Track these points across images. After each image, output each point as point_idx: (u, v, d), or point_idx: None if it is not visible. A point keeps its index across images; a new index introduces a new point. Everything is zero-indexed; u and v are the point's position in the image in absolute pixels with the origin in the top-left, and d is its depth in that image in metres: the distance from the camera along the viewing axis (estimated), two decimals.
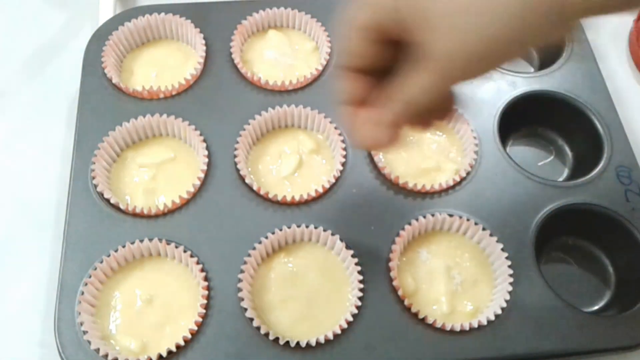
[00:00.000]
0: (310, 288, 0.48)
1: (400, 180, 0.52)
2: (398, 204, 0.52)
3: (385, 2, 0.30)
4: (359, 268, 0.48)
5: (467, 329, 0.46)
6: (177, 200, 0.50)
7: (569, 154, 0.59)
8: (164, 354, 0.44)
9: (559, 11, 0.28)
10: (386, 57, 0.32)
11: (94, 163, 0.51)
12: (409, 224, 0.50)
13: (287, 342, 0.45)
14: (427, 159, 0.55)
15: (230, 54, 0.59)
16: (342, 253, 0.49)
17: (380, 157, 0.54)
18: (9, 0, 0.68)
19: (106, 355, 0.43)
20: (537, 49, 0.65)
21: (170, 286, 0.48)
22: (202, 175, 0.52)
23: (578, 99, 0.58)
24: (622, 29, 0.68)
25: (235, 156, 0.53)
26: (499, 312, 0.46)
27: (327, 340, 0.45)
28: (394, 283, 0.47)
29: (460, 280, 0.49)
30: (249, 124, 0.54)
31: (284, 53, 0.60)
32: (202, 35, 0.59)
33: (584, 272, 0.52)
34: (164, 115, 0.54)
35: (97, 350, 0.44)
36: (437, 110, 0.34)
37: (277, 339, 0.45)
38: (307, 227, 0.49)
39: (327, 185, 0.52)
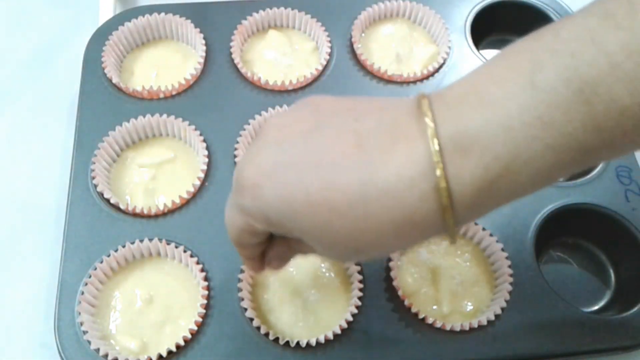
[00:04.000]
0: (310, 288, 0.48)
1: None
2: None
3: (257, 214, 0.33)
4: (359, 268, 0.48)
5: (467, 329, 0.45)
6: (177, 200, 0.50)
7: None
8: (164, 354, 0.44)
9: (433, 231, 0.32)
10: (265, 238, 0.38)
11: (94, 163, 0.51)
12: None
13: (287, 342, 0.45)
14: None
15: (230, 54, 0.59)
16: None
17: None
18: (9, 0, 0.68)
19: (106, 355, 0.43)
20: None
21: (170, 286, 0.48)
22: (202, 175, 0.52)
23: None
24: None
25: (235, 156, 0.53)
26: (499, 312, 0.46)
27: (327, 340, 0.45)
28: (394, 283, 0.47)
29: (460, 280, 0.49)
30: (249, 124, 0.54)
31: (284, 53, 0.60)
32: (202, 35, 0.59)
33: (584, 272, 0.52)
34: (164, 115, 0.54)
35: (97, 350, 0.44)
36: None
37: (277, 339, 0.45)
38: None
39: None
